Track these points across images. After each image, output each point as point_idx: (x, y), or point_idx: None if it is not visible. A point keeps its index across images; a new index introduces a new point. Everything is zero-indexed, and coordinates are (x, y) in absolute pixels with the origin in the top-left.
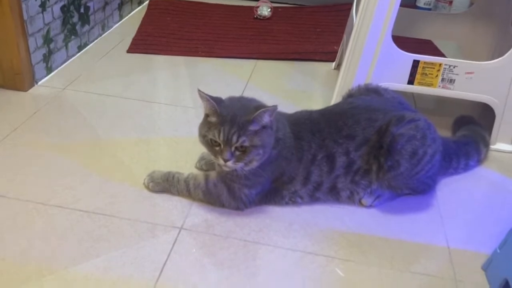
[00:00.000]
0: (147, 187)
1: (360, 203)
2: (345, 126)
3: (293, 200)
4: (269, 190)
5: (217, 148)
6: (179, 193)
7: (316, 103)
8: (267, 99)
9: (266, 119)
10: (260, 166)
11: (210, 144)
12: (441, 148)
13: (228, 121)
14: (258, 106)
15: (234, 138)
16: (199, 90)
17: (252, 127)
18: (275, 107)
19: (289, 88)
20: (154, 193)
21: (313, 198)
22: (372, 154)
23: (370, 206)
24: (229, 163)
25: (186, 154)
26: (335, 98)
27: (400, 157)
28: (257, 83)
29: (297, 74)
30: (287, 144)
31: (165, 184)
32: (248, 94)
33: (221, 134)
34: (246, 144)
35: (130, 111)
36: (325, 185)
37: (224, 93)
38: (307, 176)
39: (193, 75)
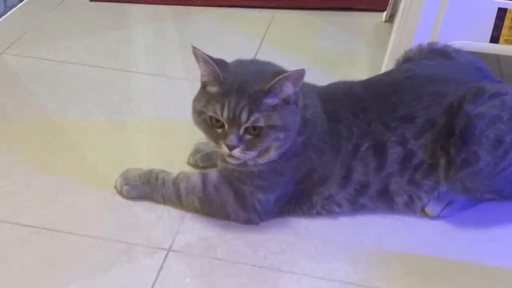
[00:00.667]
0: (120, 192)
1: (423, 213)
2: (400, 104)
3: (328, 208)
4: (293, 194)
5: (219, 131)
6: (165, 200)
7: (360, 71)
8: (289, 66)
9: (288, 89)
10: (281, 159)
11: (210, 124)
12: None
13: (234, 91)
14: (277, 72)
15: (244, 115)
16: (194, 48)
17: (269, 100)
18: (301, 71)
19: (321, 49)
20: (130, 200)
21: (356, 206)
22: (439, 143)
23: (437, 217)
24: (236, 152)
25: (175, 143)
26: (387, 64)
27: (478, 147)
28: (275, 43)
29: (333, 30)
30: (318, 129)
31: (145, 187)
32: (264, 58)
33: (225, 109)
34: (261, 123)
35: (96, 84)
36: (373, 188)
37: (228, 58)
38: (346, 175)
39: (184, 33)
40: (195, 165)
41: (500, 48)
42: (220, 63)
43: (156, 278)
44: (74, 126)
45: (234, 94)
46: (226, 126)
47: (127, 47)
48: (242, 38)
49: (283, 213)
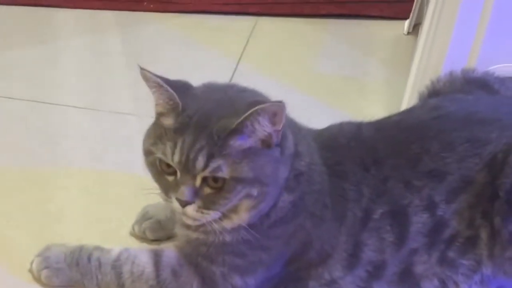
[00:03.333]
0: (38, 278)
1: None
2: (425, 155)
3: None
4: (282, 278)
5: (171, 179)
6: None
7: (374, 105)
8: (278, 96)
9: (264, 128)
10: (260, 227)
11: (159, 169)
12: None
13: (192, 127)
14: (253, 103)
15: (200, 161)
16: (141, 69)
17: (238, 142)
18: (279, 104)
19: (320, 73)
20: None
21: None
22: (480, 208)
23: None
24: (190, 209)
25: (117, 206)
26: (411, 94)
27: None
28: (257, 63)
29: (336, 44)
30: (315, 187)
31: (73, 272)
32: (240, 82)
33: (177, 151)
34: (224, 174)
35: (7, 122)
36: (391, 269)
37: (194, 83)
38: (354, 252)
39: (133, 48)
40: (142, 237)
41: None
42: (180, 87)
43: None
44: None
45: (191, 131)
46: (179, 173)
47: (52, 70)
48: (212, 56)
49: None
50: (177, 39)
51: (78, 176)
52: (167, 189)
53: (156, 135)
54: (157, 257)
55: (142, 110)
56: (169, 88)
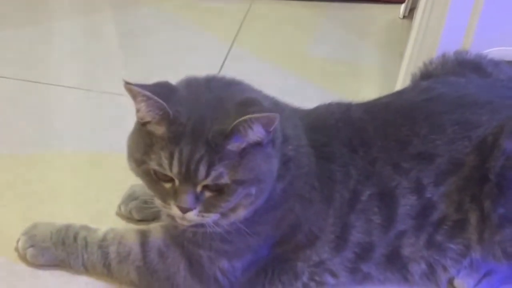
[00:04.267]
0: (24, 257)
1: (451, 287)
2: (415, 137)
3: (318, 280)
4: (270, 261)
5: (168, 186)
6: (87, 270)
7: (368, 87)
8: (269, 81)
9: (257, 133)
10: (252, 216)
11: (154, 178)
12: None
13: (188, 135)
14: (243, 103)
15: (202, 171)
16: (126, 83)
17: (234, 145)
18: (272, 117)
19: (315, 56)
20: (38, 268)
21: (357, 276)
22: (469, 191)
23: None
24: (191, 215)
25: (106, 186)
26: (405, 77)
27: None
28: (251, 47)
29: (331, 29)
30: (303, 170)
31: (59, 251)
32: (234, 66)
33: (175, 163)
34: (225, 180)
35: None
36: (379, 251)
37: (186, 68)
38: (342, 234)
39: (125, 30)
40: (128, 217)
41: None
42: (165, 93)
43: None
44: None
45: (188, 140)
46: (178, 182)
47: (45, 50)
48: (205, 38)
49: (256, 286)
50: (170, 21)
51: (68, 156)
52: (164, 196)
53: (146, 143)
54: (143, 238)
55: None
56: (158, 99)
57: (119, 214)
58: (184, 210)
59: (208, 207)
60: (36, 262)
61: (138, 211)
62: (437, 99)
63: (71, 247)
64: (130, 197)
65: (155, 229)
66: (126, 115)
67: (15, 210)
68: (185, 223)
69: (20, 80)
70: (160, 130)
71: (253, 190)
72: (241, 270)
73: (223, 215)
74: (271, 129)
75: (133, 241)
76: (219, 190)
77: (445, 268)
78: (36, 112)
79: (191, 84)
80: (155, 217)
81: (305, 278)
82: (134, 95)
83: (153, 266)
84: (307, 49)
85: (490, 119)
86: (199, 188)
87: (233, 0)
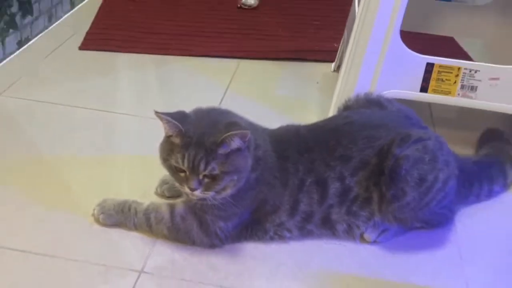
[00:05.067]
0: (97, 220)
1: (362, 239)
2: (338, 146)
3: (280, 234)
4: (249, 222)
5: (182, 175)
6: (136, 228)
7: (312, 114)
8: (251, 110)
9: (237, 143)
10: (237, 194)
11: (174, 169)
12: (456, 172)
13: (193, 144)
14: (229, 124)
15: (202, 165)
16: (156, 112)
17: (222, 150)
18: (245, 133)
19: (279, 95)
20: (107, 227)
21: (304, 232)
22: (372, 180)
23: (374, 243)
24: (197, 192)
25: (149, 177)
26: (334, 109)
27: (405, 185)
28: (240, 89)
29: (289, 78)
30: (268, 165)
31: (119, 216)
32: (229, 102)
33: (186, 161)
34: (216, 171)
35: (82, 124)
36: (317, 216)
37: (198, 101)
38: (294, 205)
39: (162, 78)
40: (162, 195)
41: (428, 97)
42: (181, 118)
43: None
44: (61, 162)
45: (193, 147)
46: (187, 172)
47: (111, 91)
48: (210, 84)
49: (240, 238)
50: (188, 74)
51: (126, 159)
52: (180, 181)
53: (169, 148)
54: (171, 208)
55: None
56: (175, 122)
57: (156, 193)
58: (193, 190)
59: (207, 188)
60: (105, 224)
61: (168, 191)
62: (353, 123)
63: (127, 214)
64: (163, 182)
65: (178, 203)
66: (162, 132)
67: (94, 193)
68: (194, 198)
69: (97, 110)
70: (177, 140)
71: (235, 177)
72: (231, 228)
73: (217, 193)
74: (246, 140)
75: (165, 210)
76: (213, 178)
77: (358, 227)
78: (102, 130)
79: (198, 112)
80: (179, 195)
81: (271, 233)
82: (161, 119)
83: (177, 226)
84: (274, 90)
85: (386, 135)
86: (201, 177)
87: (227, 60)
